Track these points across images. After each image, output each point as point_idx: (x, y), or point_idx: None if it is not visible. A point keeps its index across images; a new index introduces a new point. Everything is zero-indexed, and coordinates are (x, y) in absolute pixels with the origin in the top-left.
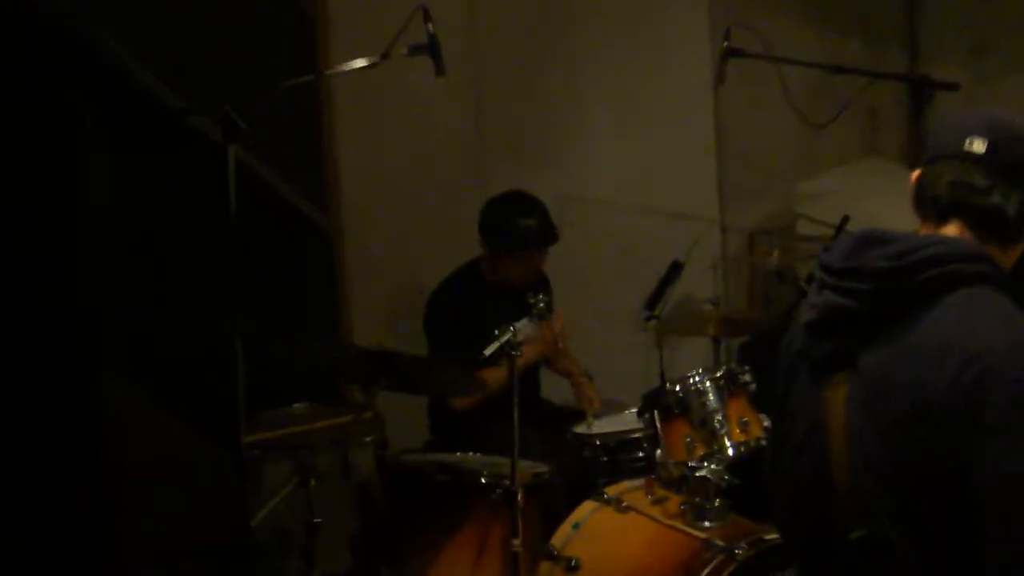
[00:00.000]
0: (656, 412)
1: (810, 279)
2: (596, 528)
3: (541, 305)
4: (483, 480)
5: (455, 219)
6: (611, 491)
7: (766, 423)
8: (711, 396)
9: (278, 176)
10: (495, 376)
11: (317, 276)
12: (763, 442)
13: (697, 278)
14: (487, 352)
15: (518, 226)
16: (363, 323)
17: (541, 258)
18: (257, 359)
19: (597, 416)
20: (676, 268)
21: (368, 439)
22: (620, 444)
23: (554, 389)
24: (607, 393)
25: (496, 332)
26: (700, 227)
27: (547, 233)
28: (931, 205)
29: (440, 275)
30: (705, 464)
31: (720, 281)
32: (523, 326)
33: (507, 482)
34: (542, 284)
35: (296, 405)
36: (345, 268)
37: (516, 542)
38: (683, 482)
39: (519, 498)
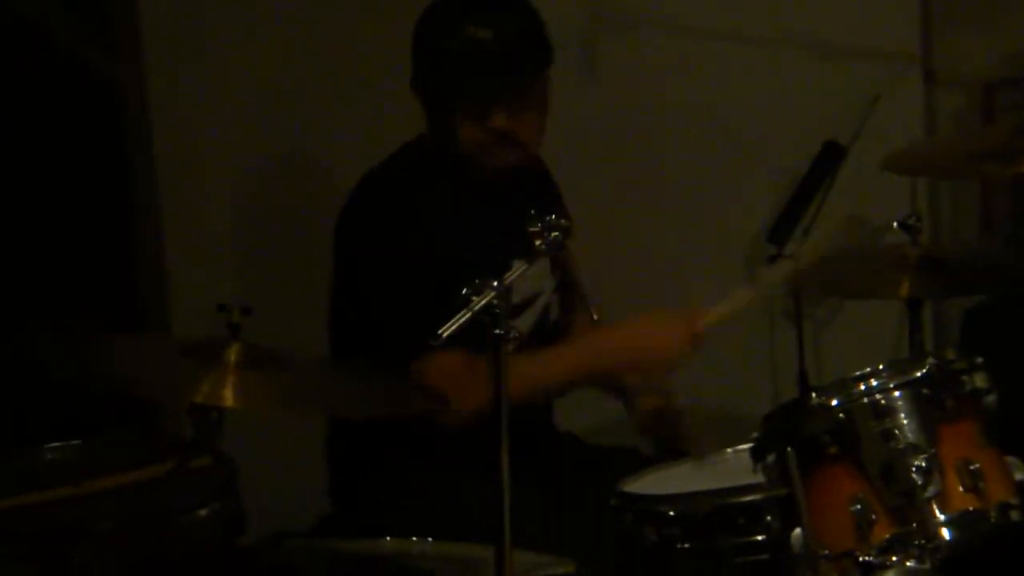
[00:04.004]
0: (791, 452)
1: None
2: None
3: (555, 234)
4: None
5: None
6: None
7: (1021, 475)
8: (905, 419)
9: None
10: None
11: (97, 189)
12: (1016, 515)
13: (874, 178)
14: (444, 331)
15: (531, 24)
16: (191, 279)
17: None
18: None
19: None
20: (831, 157)
21: (204, 511)
22: (717, 516)
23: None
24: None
25: (465, 291)
26: (881, 74)
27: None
28: None
29: (348, 175)
30: (895, 560)
31: (923, 186)
32: (524, 274)
33: None
34: (544, 188)
35: (54, 446)
36: (158, 166)
37: None
38: None
39: None
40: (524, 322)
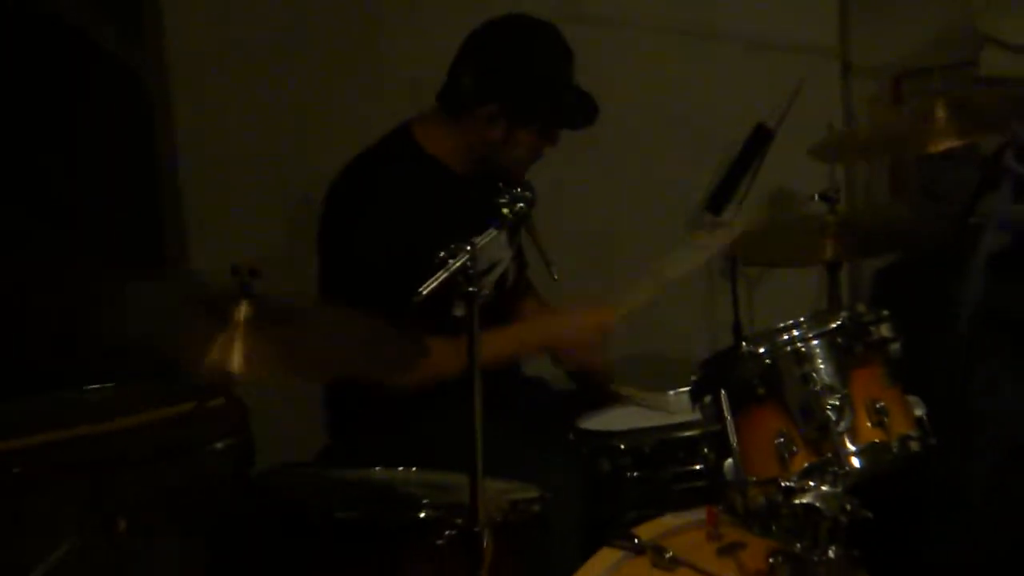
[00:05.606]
0: (724, 393)
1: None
2: None
3: (521, 205)
4: (423, 515)
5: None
6: (646, 531)
7: (920, 411)
8: (821, 364)
9: None
10: (447, 356)
11: (124, 154)
12: (915, 446)
13: (798, 156)
14: (424, 290)
15: (572, 89)
16: (207, 237)
17: None
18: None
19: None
20: (760, 138)
21: (220, 445)
22: (661, 449)
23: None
24: (632, 358)
25: (442, 254)
26: (804, 65)
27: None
28: None
29: (337, 155)
30: (812, 484)
31: (841, 163)
32: (490, 242)
33: (465, 519)
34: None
35: (93, 388)
36: (174, 137)
37: None
38: (772, 516)
39: (486, 545)
40: (486, 286)
